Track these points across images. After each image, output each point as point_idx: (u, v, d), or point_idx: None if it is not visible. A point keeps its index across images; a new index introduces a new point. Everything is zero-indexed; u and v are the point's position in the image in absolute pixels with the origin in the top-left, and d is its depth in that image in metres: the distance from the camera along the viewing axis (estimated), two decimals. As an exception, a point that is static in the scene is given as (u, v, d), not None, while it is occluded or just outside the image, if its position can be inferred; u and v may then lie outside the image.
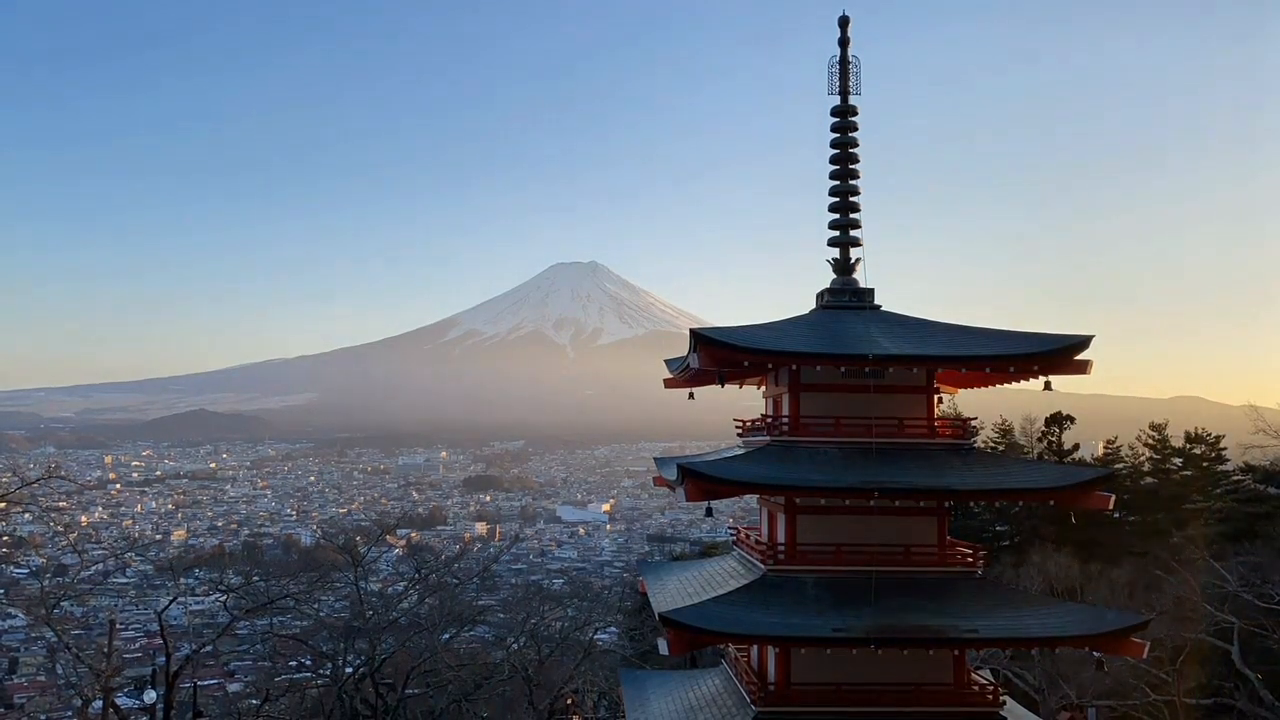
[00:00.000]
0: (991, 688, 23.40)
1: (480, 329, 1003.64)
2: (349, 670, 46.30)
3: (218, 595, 55.97)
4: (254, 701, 52.45)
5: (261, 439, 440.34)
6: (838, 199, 24.53)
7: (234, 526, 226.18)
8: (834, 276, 24.81)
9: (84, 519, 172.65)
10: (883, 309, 24.38)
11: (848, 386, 22.71)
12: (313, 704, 48.75)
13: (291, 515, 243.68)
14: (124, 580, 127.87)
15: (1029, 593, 30.70)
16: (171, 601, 53.63)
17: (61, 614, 48.36)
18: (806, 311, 24.86)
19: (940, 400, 24.41)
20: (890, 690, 21.97)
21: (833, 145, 24.47)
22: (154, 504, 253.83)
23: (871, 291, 24.60)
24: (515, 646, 51.50)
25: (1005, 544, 56.45)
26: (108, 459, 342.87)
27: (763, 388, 26.02)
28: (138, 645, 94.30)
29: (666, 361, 25.29)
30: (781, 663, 22.43)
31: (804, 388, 23.11)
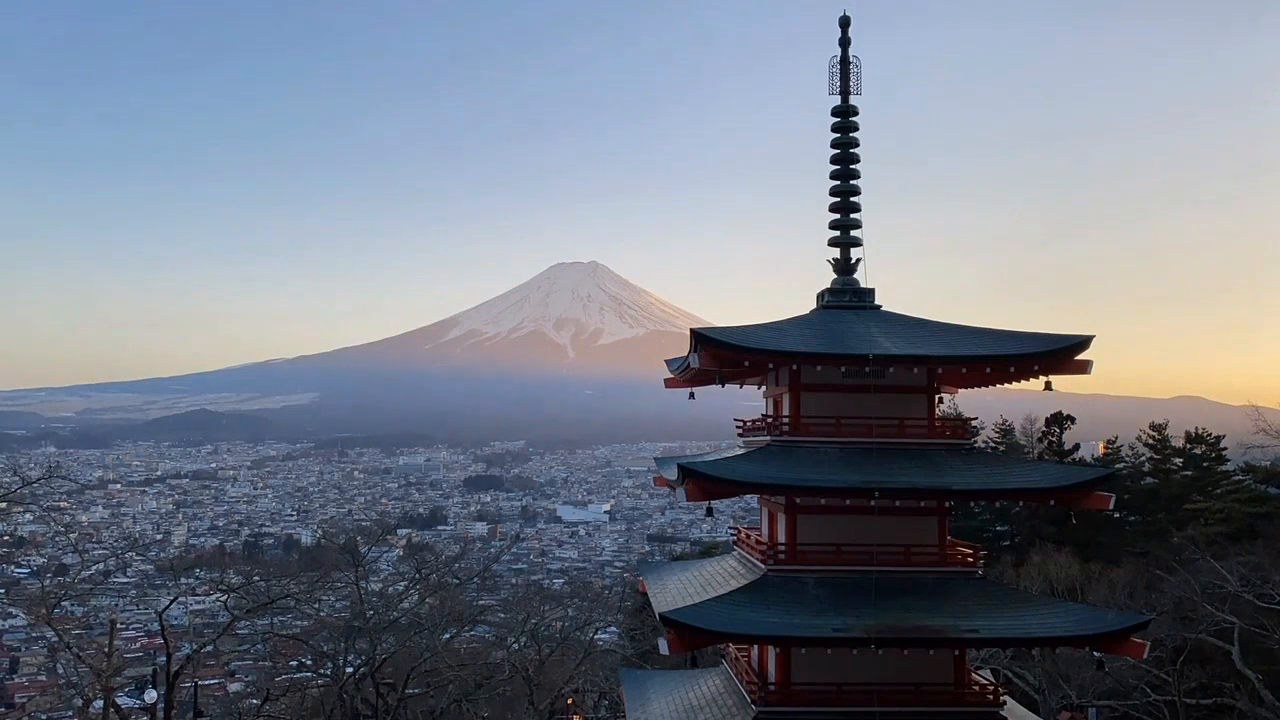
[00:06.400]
0: (991, 688, 23.44)
1: (480, 329, 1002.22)
2: (349, 670, 46.34)
3: (218, 595, 55.96)
4: (254, 701, 52.41)
5: (262, 439, 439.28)
6: (838, 199, 24.59)
7: (235, 526, 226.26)
8: (834, 276, 24.87)
9: (84, 519, 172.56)
10: (883, 309, 24.44)
11: (848, 386, 22.75)
12: (313, 704, 48.77)
13: (292, 515, 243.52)
14: (125, 580, 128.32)
15: (1029, 593, 30.69)
16: (172, 601, 53.58)
17: (62, 613, 48.27)
18: (807, 311, 24.91)
19: (940, 400, 24.44)
20: (890, 690, 22.00)
21: (833, 145, 24.53)
22: (154, 504, 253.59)
23: (872, 291, 24.65)
24: (515, 646, 51.61)
25: (1005, 544, 56.44)
26: (109, 458, 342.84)
27: (763, 388, 26.05)
28: (138, 645, 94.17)
29: (667, 361, 25.34)
30: (782, 662, 22.46)
31: (804, 387, 23.14)
